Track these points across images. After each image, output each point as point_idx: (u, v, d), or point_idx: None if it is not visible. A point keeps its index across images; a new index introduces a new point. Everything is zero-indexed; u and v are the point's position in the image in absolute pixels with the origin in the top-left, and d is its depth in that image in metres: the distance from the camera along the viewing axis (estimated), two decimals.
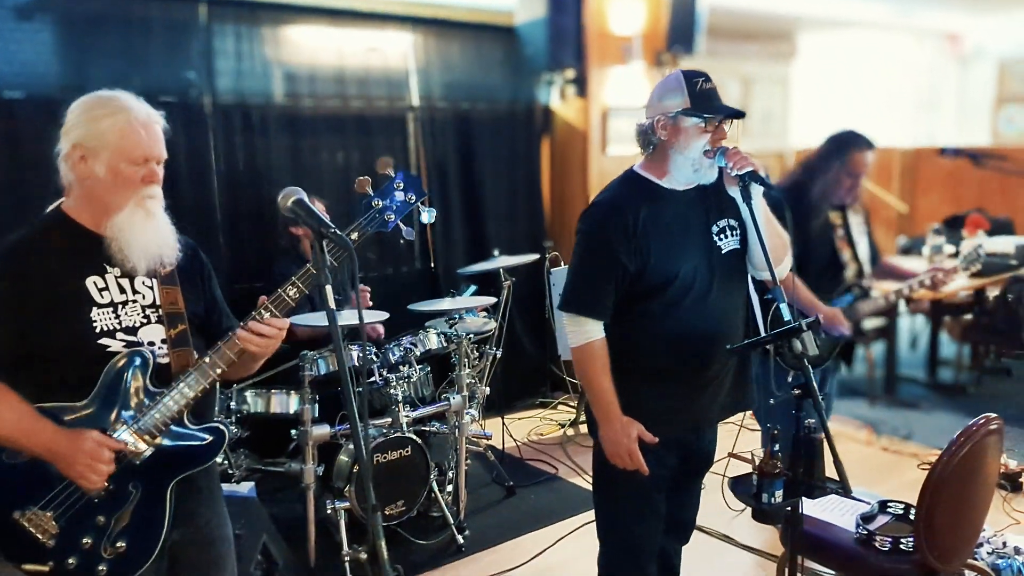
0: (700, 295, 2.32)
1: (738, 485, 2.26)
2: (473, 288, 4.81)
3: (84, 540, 1.86)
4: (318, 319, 3.42)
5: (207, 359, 1.92)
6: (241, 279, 4.44)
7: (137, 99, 1.92)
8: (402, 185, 2.04)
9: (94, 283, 1.90)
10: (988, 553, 3.23)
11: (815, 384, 2.09)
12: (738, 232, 2.41)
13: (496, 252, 4.41)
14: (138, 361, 1.91)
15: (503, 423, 4.81)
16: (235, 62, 4.42)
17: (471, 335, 3.87)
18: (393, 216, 2.03)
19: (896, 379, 5.86)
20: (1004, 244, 5.90)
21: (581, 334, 2.33)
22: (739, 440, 3.95)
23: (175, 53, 4.25)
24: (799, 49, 9.72)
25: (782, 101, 9.77)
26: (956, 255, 6.16)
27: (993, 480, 2.58)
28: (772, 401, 2.49)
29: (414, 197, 2.06)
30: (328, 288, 1.59)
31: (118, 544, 1.88)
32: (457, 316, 3.94)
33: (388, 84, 5.08)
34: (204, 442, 1.97)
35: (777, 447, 2.16)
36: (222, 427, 2.01)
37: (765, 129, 9.41)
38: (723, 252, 2.37)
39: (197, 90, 4.33)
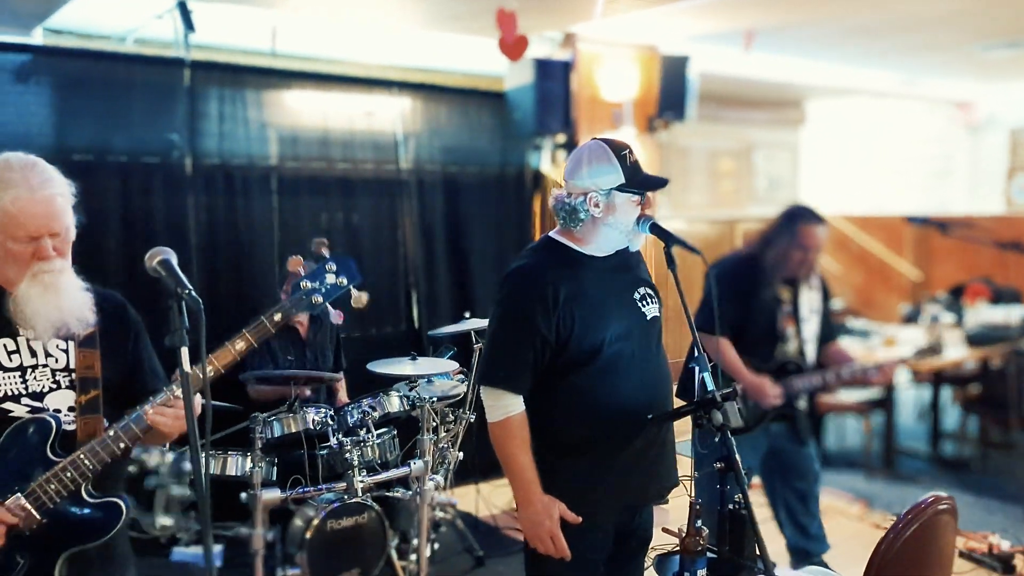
0: (630, 363, 2.24)
1: (662, 563, 2.16)
2: (452, 351, 4.73)
3: None
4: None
5: (111, 432, 1.86)
6: (217, 340, 4.42)
7: (34, 166, 1.83)
8: (334, 268, 2.02)
9: (3, 346, 1.88)
10: None
11: (737, 456, 2.01)
12: (657, 299, 2.37)
13: (467, 314, 4.35)
14: (40, 427, 1.86)
15: (477, 490, 4.69)
16: (218, 124, 4.48)
17: (435, 398, 3.79)
18: (321, 299, 2.01)
19: (895, 452, 5.66)
20: (1006, 314, 5.75)
21: (499, 409, 2.23)
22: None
23: (158, 115, 4.31)
24: (808, 116, 9.73)
25: (791, 167, 9.75)
26: (959, 324, 6.03)
27: (949, 563, 2.44)
28: (696, 473, 2.40)
29: (345, 281, 2.02)
30: (184, 350, 1.55)
31: None
32: (425, 379, 3.87)
33: (376, 147, 5.10)
34: (99, 516, 1.90)
35: (700, 522, 2.06)
36: (120, 501, 1.93)
37: (772, 195, 9.37)
38: (648, 318, 2.31)
39: (179, 151, 4.38)
